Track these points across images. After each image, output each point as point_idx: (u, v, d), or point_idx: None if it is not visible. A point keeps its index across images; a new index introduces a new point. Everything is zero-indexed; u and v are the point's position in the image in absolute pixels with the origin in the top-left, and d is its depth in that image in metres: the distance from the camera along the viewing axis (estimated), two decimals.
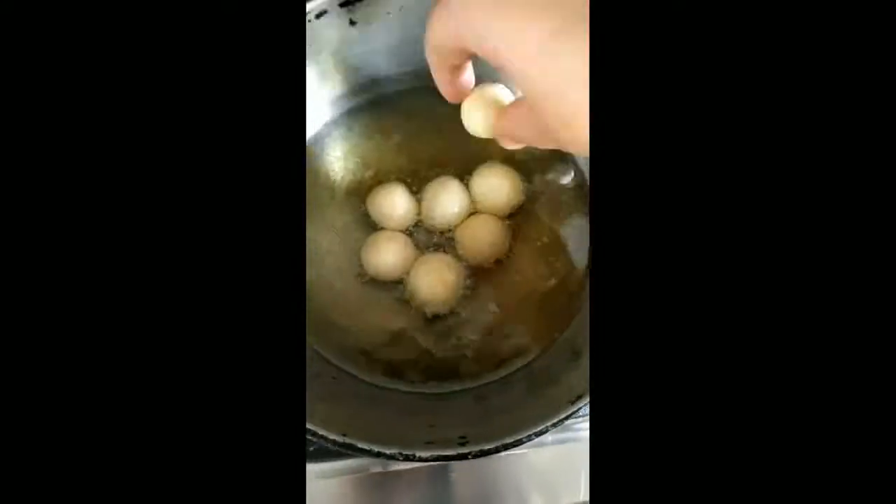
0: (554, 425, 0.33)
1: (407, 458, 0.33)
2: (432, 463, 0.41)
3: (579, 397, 0.34)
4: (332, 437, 0.33)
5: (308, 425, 0.33)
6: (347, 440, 0.33)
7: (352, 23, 0.43)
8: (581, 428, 0.46)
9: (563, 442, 0.45)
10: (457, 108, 0.47)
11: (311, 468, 0.44)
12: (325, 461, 0.44)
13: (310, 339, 0.42)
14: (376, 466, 0.44)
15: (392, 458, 0.33)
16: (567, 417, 0.34)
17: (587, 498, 0.46)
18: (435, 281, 0.43)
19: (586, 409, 0.32)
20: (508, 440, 0.33)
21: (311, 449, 0.44)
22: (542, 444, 0.45)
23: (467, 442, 0.34)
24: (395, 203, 0.45)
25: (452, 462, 0.44)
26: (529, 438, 0.33)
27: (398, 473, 0.44)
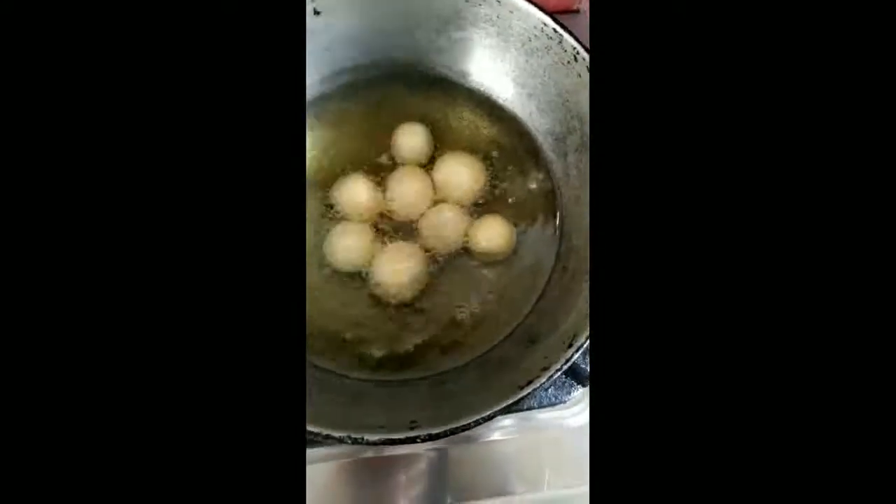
0: (502, 411, 0.34)
1: (356, 442, 0.33)
2: (420, 446, 0.43)
3: (529, 382, 0.34)
4: None
5: None
6: None
7: (316, 12, 0.44)
8: (569, 415, 0.47)
9: (555, 428, 0.47)
10: (425, 98, 0.48)
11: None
12: (315, 447, 0.44)
13: None
14: (366, 452, 0.45)
15: (341, 441, 0.33)
16: (517, 402, 0.34)
17: (550, 489, 0.46)
18: (397, 270, 0.43)
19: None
20: (456, 424, 0.33)
21: None
22: (535, 430, 0.46)
23: (417, 426, 0.34)
24: (358, 194, 0.45)
25: (441, 449, 0.45)
26: (477, 423, 0.34)
27: (389, 459, 0.45)
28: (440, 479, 0.45)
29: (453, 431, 0.34)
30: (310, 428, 0.34)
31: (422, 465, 0.45)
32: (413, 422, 0.35)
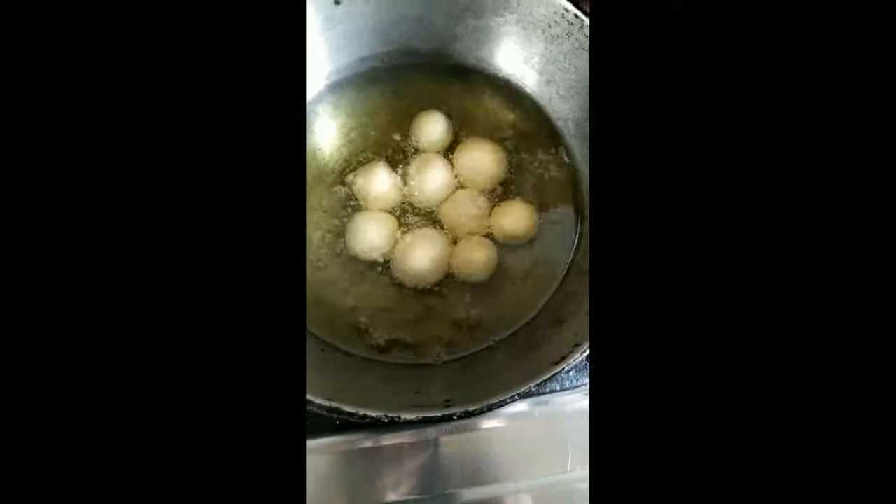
0: (538, 385, 0.34)
1: (392, 421, 0.33)
2: (419, 434, 0.42)
3: (563, 358, 0.35)
4: (317, 401, 0.34)
5: None
6: (333, 404, 0.33)
7: (336, 1, 0.44)
8: (567, 402, 0.46)
9: (549, 416, 0.46)
10: (444, 85, 0.48)
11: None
12: (315, 437, 0.44)
13: None
14: (366, 441, 0.44)
15: (377, 420, 0.33)
16: (550, 378, 0.34)
17: (573, 470, 0.46)
18: (419, 256, 0.43)
19: (573, 372, 0.32)
20: (493, 400, 0.34)
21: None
22: (528, 418, 0.45)
23: (452, 404, 0.34)
24: (378, 183, 0.45)
25: (440, 436, 0.44)
26: (513, 399, 0.34)
27: (387, 448, 0.44)
28: (433, 467, 0.45)
29: (490, 407, 0.34)
30: (346, 408, 0.34)
31: (414, 454, 0.45)
32: (447, 401, 0.35)
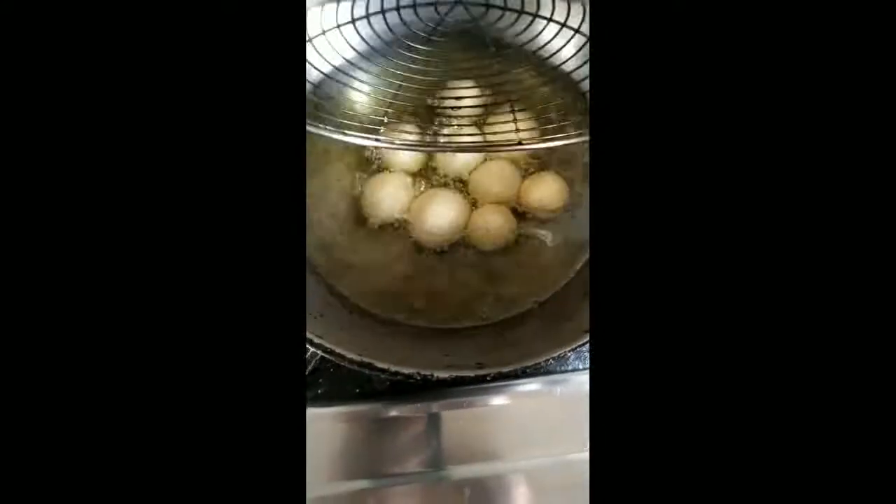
0: (572, 350, 0.33)
1: (425, 378, 0.33)
2: (434, 408, 0.42)
3: None
4: (349, 356, 0.33)
5: (326, 344, 0.33)
6: (364, 359, 0.33)
7: None
8: (582, 381, 0.46)
9: (568, 395, 0.45)
10: (477, 58, 0.48)
11: (317, 412, 0.43)
12: (330, 406, 0.43)
13: (328, 279, 0.42)
14: (379, 412, 0.44)
15: (410, 377, 0.33)
16: (585, 343, 0.34)
17: (586, 451, 0.46)
18: (437, 213, 0.43)
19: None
20: (527, 363, 0.33)
21: (319, 392, 0.43)
22: (548, 396, 0.45)
23: (485, 366, 0.34)
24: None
25: (456, 410, 0.44)
26: (548, 363, 0.33)
27: (403, 420, 0.44)
28: (437, 441, 0.44)
29: (524, 371, 0.33)
30: (378, 364, 0.33)
31: (429, 428, 0.45)
32: (479, 363, 0.34)
